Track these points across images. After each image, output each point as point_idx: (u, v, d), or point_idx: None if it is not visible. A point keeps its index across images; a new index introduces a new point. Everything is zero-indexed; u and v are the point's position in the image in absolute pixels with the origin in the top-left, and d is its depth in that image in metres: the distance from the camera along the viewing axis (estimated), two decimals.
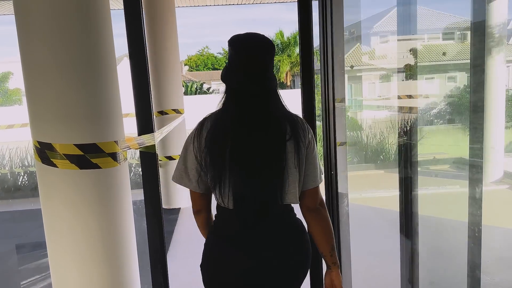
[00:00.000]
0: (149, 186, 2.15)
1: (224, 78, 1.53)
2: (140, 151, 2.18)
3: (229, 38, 1.51)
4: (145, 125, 2.17)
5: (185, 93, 27.28)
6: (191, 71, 49.13)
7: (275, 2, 6.86)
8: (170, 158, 5.21)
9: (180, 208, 5.35)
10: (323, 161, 2.69)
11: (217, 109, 1.54)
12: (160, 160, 5.18)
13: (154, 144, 2.15)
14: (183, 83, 31.67)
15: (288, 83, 29.26)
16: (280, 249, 1.52)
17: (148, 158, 2.16)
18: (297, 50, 28.37)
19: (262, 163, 1.47)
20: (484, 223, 2.13)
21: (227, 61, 1.57)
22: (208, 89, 34.08)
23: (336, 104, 2.69)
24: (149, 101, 2.20)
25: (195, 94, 28.45)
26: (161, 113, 5.11)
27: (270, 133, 1.48)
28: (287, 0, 6.92)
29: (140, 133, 2.16)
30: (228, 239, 1.54)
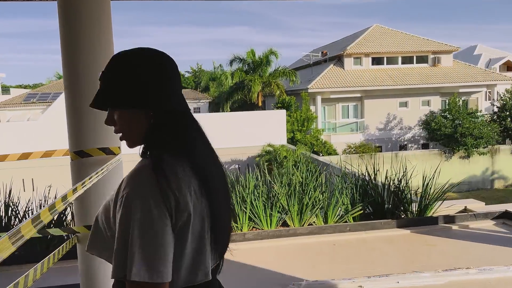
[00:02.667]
0: None
1: (152, 101, 1.21)
2: None
3: (138, 51, 1.26)
4: None
5: None
6: None
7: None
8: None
9: None
10: None
11: (162, 143, 1.22)
12: (78, 233, 3.35)
13: None
14: None
15: (260, 104, 27.64)
16: None
17: None
18: (269, 70, 26.82)
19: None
20: None
21: (134, 79, 1.22)
22: None
23: None
24: None
25: None
26: (80, 154, 3.25)
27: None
28: None
29: None
30: None
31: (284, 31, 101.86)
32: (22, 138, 15.24)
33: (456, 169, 20.53)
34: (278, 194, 5.11)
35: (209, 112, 37.50)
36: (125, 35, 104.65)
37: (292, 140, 20.43)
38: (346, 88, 25.90)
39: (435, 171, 5.34)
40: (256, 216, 5.01)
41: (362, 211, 5.16)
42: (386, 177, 5.32)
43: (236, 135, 15.75)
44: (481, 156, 22.30)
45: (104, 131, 3.37)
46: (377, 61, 28.03)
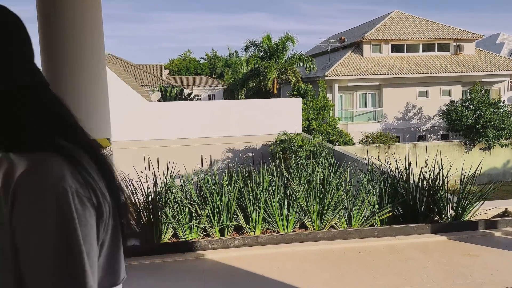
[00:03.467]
0: None
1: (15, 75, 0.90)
2: None
3: None
4: None
5: (164, 99, 25.39)
6: (173, 75, 48.71)
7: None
8: None
9: None
10: None
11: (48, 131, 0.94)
12: None
13: None
14: (161, 87, 29.60)
15: (275, 91, 26.96)
16: None
17: None
18: (285, 56, 26.08)
19: None
20: None
21: None
22: (189, 94, 31.97)
23: None
24: None
25: (175, 99, 26.43)
26: None
27: None
28: None
29: None
30: None
31: (301, 17, 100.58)
32: None
33: (476, 161, 19.74)
34: (296, 192, 4.53)
35: (224, 99, 36.94)
36: (139, 20, 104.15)
37: (307, 129, 19.77)
38: (364, 76, 25.05)
39: (476, 168, 4.69)
40: (271, 216, 4.45)
41: (391, 213, 4.55)
42: (420, 174, 4.67)
43: (250, 123, 15.21)
44: (502, 148, 21.44)
45: (90, 122, 2.82)
46: (397, 48, 27.07)
